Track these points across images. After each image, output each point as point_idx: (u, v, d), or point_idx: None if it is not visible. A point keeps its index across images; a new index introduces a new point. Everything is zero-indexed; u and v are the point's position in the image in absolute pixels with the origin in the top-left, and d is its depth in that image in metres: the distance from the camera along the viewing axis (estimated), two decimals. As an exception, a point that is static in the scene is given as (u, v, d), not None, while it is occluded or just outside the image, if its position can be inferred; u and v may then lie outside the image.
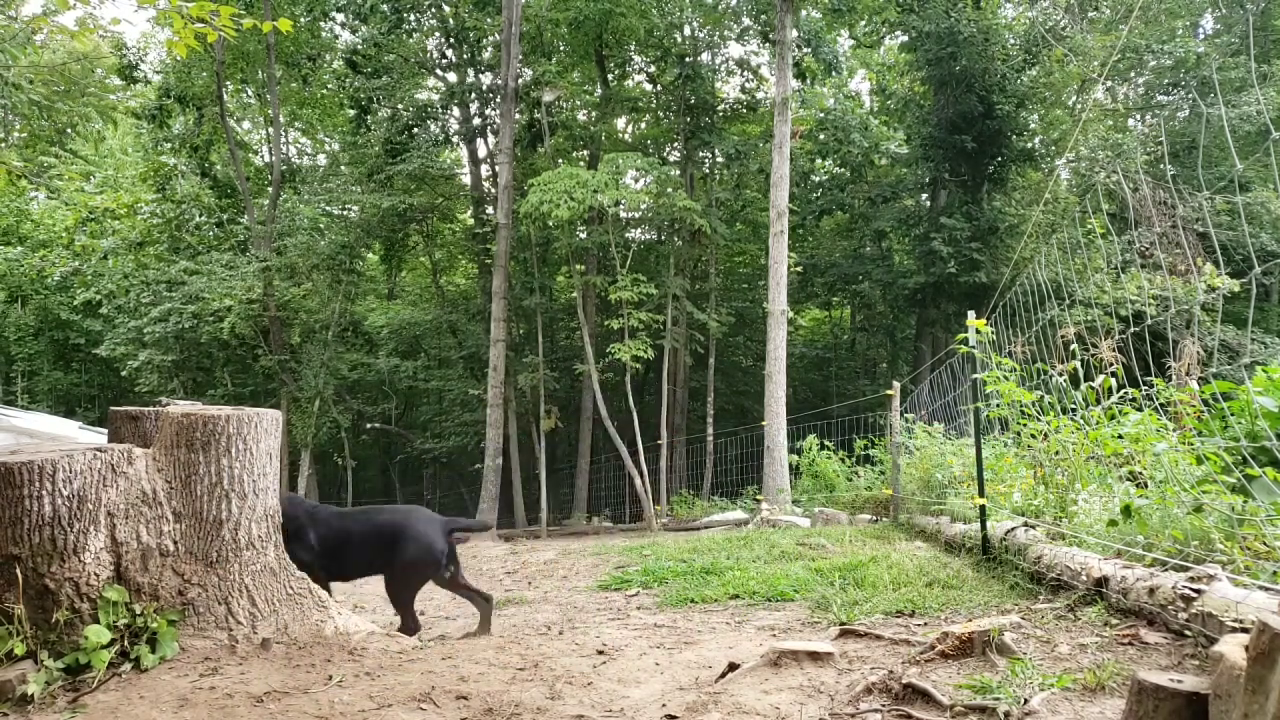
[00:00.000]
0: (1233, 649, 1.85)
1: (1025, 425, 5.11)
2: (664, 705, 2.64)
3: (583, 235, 17.46)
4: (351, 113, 20.57)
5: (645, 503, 14.02)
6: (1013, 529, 4.67)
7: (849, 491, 10.08)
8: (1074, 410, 4.61)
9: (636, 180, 16.93)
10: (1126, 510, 3.71)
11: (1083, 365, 4.75)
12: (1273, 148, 2.56)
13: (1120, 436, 4.43)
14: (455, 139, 21.10)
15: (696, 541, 7.81)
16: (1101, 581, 3.37)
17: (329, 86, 21.54)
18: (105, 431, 3.92)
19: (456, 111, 20.57)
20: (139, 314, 17.60)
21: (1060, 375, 4.73)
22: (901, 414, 8.54)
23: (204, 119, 18.90)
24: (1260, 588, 2.57)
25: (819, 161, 21.23)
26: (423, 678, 2.93)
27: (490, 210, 18.97)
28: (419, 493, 25.27)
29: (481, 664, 3.14)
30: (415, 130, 19.09)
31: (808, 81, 18.13)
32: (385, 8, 18.01)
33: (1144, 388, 3.88)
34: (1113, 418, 4.63)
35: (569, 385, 20.94)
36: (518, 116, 16.50)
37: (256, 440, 3.41)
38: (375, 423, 22.55)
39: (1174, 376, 7.22)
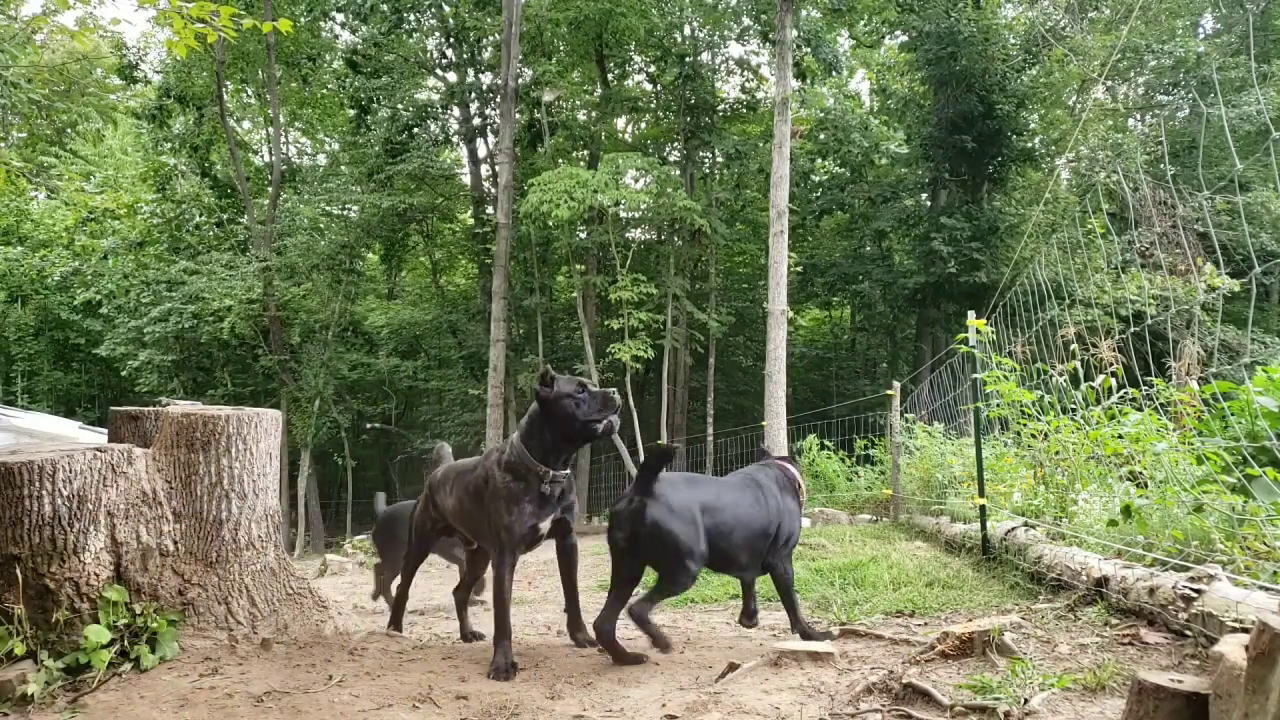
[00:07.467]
0: (1233, 649, 1.85)
1: (1025, 425, 5.11)
2: (664, 705, 2.64)
3: (583, 235, 17.46)
4: (351, 113, 20.58)
5: (645, 503, 13.98)
6: (1013, 529, 4.67)
7: (849, 491, 10.06)
8: (1074, 410, 4.61)
9: (636, 180, 16.93)
10: (1126, 510, 3.71)
11: (1083, 365, 4.74)
12: (1273, 148, 2.56)
13: (1120, 436, 4.42)
14: (455, 139, 21.11)
15: (696, 541, 7.79)
16: (1102, 581, 3.37)
17: (329, 86, 21.54)
18: (105, 431, 3.92)
19: (456, 111, 20.58)
20: (139, 314, 17.62)
21: (1060, 375, 4.72)
22: (901, 414, 8.54)
23: (204, 119, 18.91)
24: (1260, 588, 2.57)
25: (819, 161, 21.23)
26: (423, 678, 2.93)
27: (490, 210, 18.97)
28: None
29: (481, 664, 3.14)
30: (415, 130, 19.10)
31: (808, 81, 18.12)
32: (385, 8, 18.01)
33: (1144, 388, 3.88)
34: (1113, 418, 4.62)
35: (569, 385, 20.91)
36: (518, 116, 16.50)
37: (256, 440, 3.41)
38: (375, 423, 22.55)
39: (1174, 376, 7.21)
